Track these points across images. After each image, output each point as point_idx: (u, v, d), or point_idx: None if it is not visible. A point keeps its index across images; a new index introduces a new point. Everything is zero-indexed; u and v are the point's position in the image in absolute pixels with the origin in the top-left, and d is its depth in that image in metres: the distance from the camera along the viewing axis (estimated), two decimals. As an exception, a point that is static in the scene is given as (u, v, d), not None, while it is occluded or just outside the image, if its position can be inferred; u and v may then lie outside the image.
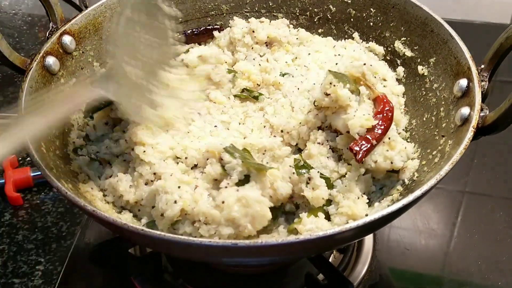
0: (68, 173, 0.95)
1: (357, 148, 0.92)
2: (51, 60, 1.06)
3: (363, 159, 0.92)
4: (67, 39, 1.10)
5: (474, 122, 0.87)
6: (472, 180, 1.35)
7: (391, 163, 0.95)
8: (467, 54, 1.00)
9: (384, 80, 1.13)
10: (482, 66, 0.96)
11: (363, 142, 0.93)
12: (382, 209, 0.81)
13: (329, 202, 0.94)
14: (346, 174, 0.95)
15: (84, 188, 0.95)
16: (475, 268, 1.16)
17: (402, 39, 1.18)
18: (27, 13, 1.69)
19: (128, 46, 0.96)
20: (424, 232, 1.22)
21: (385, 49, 1.22)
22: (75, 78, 1.11)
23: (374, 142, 0.93)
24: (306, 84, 1.10)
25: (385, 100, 1.00)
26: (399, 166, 0.95)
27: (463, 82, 0.97)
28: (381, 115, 0.96)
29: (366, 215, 0.90)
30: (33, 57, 1.03)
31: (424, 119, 1.07)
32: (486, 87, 0.94)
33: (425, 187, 0.79)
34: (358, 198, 0.92)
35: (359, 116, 0.94)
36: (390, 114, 0.97)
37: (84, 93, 0.95)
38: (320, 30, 1.31)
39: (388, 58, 1.22)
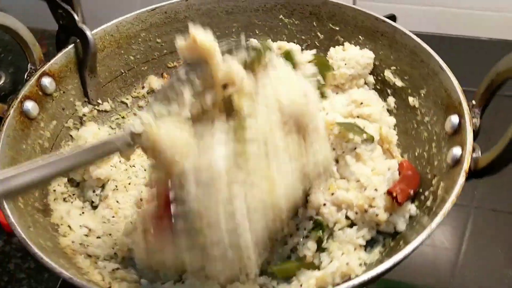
0: (47, 227, 0.92)
1: (397, 190, 0.90)
2: (29, 105, 1.02)
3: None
4: (46, 80, 1.07)
5: (466, 166, 0.83)
6: (481, 194, 1.30)
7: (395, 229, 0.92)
8: (458, 88, 0.96)
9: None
10: (474, 102, 0.93)
11: (400, 188, 0.91)
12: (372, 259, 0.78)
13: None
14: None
15: (65, 242, 0.92)
16: (484, 283, 1.13)
17: (392, 68, 1.15)
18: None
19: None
20: (432, 246, 1.18)
21: (375, 78, 1.18)
22: (55, 120, 1.08)
23: (412, 191, 0.92)
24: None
25: (407, 166, 0.97)
26: (402, 229, 0.92)
27: (455, 118, 0.93)
28: (406, 180, 0.93)
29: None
30: (11, 103, 1.00)
31: (416, 154, 1.04)
32: (478, 125, 0.91)
33: (414, 244, 0.75)
34: (355, 249, 0.89)
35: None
36: (415, 179, 0.95)
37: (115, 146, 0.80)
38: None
39: (378, 87, 1.18)
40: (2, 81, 1.14)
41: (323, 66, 1.13)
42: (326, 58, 1.16)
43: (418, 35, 1.09)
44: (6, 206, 0.83)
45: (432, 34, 1.66)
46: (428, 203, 0.90)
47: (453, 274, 1.14)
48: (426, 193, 0.93)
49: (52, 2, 1.12)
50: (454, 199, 0.80)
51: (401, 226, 0.91)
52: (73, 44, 1.12)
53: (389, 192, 0.90)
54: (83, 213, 1.02)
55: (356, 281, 0.72)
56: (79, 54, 1.12)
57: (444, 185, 0.88)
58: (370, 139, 0.96)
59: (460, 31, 1.71)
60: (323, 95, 1.11)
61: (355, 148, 0.95)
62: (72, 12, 1.11)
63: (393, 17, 1.38)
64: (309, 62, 1.13)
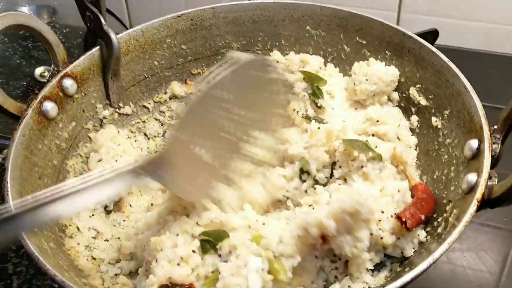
0: (54, 227, 0.93)
1: (407, 215, 0.87)
2: (49, 105, 1.04)
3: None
4: (68, 82, 1.08)
5: (478, 195, 0.79)
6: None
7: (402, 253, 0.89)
8: (481, 111, 0.91)
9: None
10: (495, 127, 0.88)
11: (410, 212, 0.88)
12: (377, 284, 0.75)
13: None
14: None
15: (70, 243, 0.92)
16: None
17: (417, 86, 1.11)
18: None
19: (201, 127, 0.86)
20: (472, 269, 1.12)
21: (399, 95, 1.14)
22: (75, 122, 1.10)
23: (423, 217, 0.89)
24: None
25: (423, 188, 0.94)
26: (409, 255, 0.89)
27: (474, 143, 0.89)
28: (419, 204, 0.90)
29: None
30: (30, 102, 1.02)
31: (435, 176, 0.99)
32: (498, 151, 0.86)
33: (416, 270, 0.72)
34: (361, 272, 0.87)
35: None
36: (429, 204, 0.91)
37: (125, 182, 0.81)
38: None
39: (402, 105, 1.14)
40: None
41: (313, 79, 1.11)
42: (313, 72, 1.14)
43: (460, 50, 1.04)
44: (11, 203, 0.84)
45: (475, 50, 1.60)
46: (440, 229, 0.86)
47: None
48: (440, 219, 0.89)
49: (81, 5, 1.14)
50: (462, 228, 0.76)
51: (409, 251, 0.88)
52: (98, 47, 1.14)
53: (398, 217, 0.86)
54: (93, 215, 1.03)
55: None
56: (103, 57, 1.13)
57: (457, 212, 0.84)
58: (378, 158, 0.92)
59: (506, 49, 1.64)
60: (318, 106, 1.09)
61: (362, 167, 0.91)
62: (99, 15, 1.13)
63: (435, 32, 1.32)
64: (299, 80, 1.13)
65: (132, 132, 1.22)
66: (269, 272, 0.79)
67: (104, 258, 0.95)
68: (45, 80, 1.08)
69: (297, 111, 1.08)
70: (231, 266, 0.79)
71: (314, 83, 1.09)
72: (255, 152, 0.94)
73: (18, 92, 1.11)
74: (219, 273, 0.80)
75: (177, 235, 0.86)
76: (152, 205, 1.05)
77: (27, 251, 0.78)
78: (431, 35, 1.16)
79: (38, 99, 1.02)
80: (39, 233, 0.85)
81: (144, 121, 1.24)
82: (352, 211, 0.79)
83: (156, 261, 0.84)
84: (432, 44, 1.03)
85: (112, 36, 1.11)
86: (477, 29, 1.67)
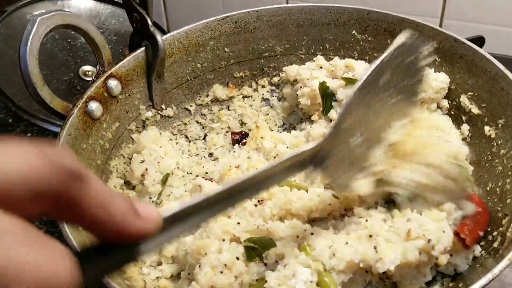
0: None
1: (465, 231, 0.84)
2: (94, 105, 1.04)
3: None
4: (113, 83, 1.08)
5: (541, 208, 0.75)
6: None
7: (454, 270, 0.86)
8: (539, 122, 0.88)
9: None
10: (557, 138, 0.84)
11: (468, 229, 0.85)
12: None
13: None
14: None
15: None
16: None
17: (469, 93, 1.07)
18: (114, 32, 1.69)
19: (358, 114, 0.80)
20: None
21: (449, 102, 1.11)
22: (118, 122, 1.09)
23: (481, 233, 0.86)
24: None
25: (478, 201, 0.90)
26: (463, 270, 0.85)
27: (531, 155, 0.85)
28: (476, 219, 0.87)
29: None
30: (76, 102, 1.02)
31: (488, 188, 0.95)
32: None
33: (476, 287, 0.68)
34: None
35: None
36: (485, 218, 0.88)
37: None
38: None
39: (452, 113, 1.11)
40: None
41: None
42: (356, 78, 1.10)
43: (506, 59, 1.00)
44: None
45: None
46: (495, 244, 0.82)
47: None
48: (495, 233, 0.85)
49: (129, 6, 1.14)
50: (524, 243, 0.72)
51: (463, 267, 0.84)
52: (143, 49, 1.13)
53: (456, 233, 0.83)
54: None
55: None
56: (148, 59, 1.13)
57: (515, 227, 0.80)
58: None
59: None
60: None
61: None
62: (146, 16, 1.12)
63: (481, 39, 1.28)
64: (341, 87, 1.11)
65: (173, 134, 1.21)
66: (317, 285, 0.76)
67: (146, 260, 0.94)
68: (88, 79, 1.08)
69: None
70: (278, 275, 0.77)
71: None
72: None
73: (62, 86, 1.12)
74: (265, 281, 0.78)
75: (223, 240, 0.84)
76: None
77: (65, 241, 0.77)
78: (477, 43, 1.12)
79: (84, 99, 1.02)
80: (83, 232, 0.85)
81: (185, 124, 1.23)
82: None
83: (199, 266, 0.82)
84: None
85: (158, 37, 1.10)
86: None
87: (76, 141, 0.99)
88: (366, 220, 0.85)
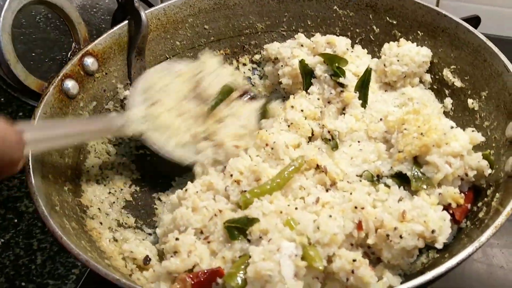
0: (75, 208, 0.90)
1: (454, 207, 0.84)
2: (70, 84, 1.01)
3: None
4: (89, 60, 1.05)
5: (526, 177, 0.75)
6: None
7: None
8: (524, 91, 0.87)
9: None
10: (541, 108, 0.84)
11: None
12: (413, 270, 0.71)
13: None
14: None
15: (92, 224, 0.89)
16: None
17: (451, 67, 1.06)
18: (107, 11, 1.65)
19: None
20: (488, 265, 1.04)
21: (432, 77, 1.10)
22: (95, 101, 1.06)
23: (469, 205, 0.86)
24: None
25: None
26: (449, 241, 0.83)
27: (517, 124, 0.84)
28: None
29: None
30: (51, 80, 0.99)
31: (471, 160, 0.95)
32: (544, 133, 0.82)
33: (462, 255, 0.68)
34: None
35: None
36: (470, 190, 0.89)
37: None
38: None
39: (435, 87, 1.10)
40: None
41: (333, 60, 1.06)
42: (332, 53, 1.09)
43: (503, 39, 0.99)
44: (33, 180, 0.81)
45: None
46: (481, 214, 0.82)
47: None
48: (479, 204, 0.85)
49: None
50: (510, 211, 0.71)
51: (449, 238, 0.83)
52: (120, 25, 1.10)
53: (445, 209, 0.82)
54: (113, 203, 1.00)
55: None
56: (130, 35, 1.10)
57: (500, 196, 0.79)
58: None
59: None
60: (341, 85, 1.05)
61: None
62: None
63: (476, 18, 1.25)
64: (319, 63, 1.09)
65: (153, 113, 1.18)
66: (302, 258, 0.75)
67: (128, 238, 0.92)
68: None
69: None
70: (263, 250, 0.75)
71: (334, 63, 1.05)
72: None
73: (53, 66, 1.12)
74: (249, 257, 0.77)
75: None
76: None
77: (49, 229, 0.75)
78: (472, 22, 1.10)
79: (59, 77, 0.99)
80: (60, 212, 0.82)
81: (165, 103, 1.20)
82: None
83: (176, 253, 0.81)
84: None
85: (142, 13, 1.08)
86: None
87: (52, 119, 0.96)
88: (350, 193, 0.84)
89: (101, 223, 0.91)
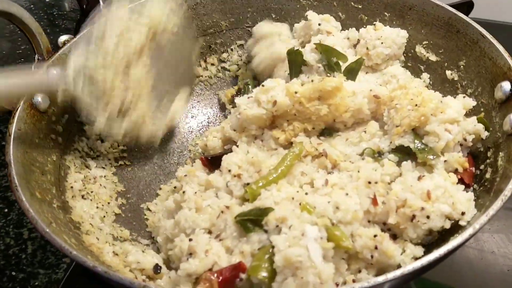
0: (68, 224, 0.83)
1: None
2: (39, 97, 0.94)
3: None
4: (55, 72, 0.98)
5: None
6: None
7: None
8: (505, 54, 0.89)
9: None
10: (525, 66, 0.86)
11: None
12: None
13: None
14: None
15: (89, 240, 0.83)
16: None
17: (423, 43, 1.08)
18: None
19: None
20: (480, 250, 1.05)
21: (404, 55, 1.11)
22: (67, 114, 1.00)
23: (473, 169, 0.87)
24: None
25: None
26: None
27: (506, 85, 0.86)
28: None
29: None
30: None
31: (461, 129, 0.96)
32: (533, 89, 0.84)
33: (491, 211, 0.67)
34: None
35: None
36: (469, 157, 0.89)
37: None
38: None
39: (409, 64, 1.11)
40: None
41: (331, 54, 1.04)
42: (331, 46, 1.06)
43: (497, 24, 0.99)
44: (23, 198, 0.74)
45: None
46: (487, 175, 0.83)
47: (503, 282, 1.00)
48: (482, 166, 0.86)
49: None
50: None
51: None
52: (79, 35, 1.04)
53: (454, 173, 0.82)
54: (104, 217, 0.94)
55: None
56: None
57: (505, 155, 0.80)
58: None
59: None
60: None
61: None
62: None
63: (469, 3, 1.24)
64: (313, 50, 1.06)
65: (126, 123, 1.12)
66: (328, 240, 0.72)
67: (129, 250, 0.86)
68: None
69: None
70: (286, 238, 0.72)
71: (331, 57, 1.03)
72: None
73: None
74: (271, 247, 0.73)
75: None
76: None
77: (56, 246, 0.68)
78: (465, 7, 1.12)
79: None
80: (57, 229, 0.76)
81: (137, 111, 1.14)
82: None
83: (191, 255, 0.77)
84: (467, 15, 0.99)
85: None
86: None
87: (27, 136, 0.88)
88: (358, 171, 0.83)
89: (97, 238, 0.84)
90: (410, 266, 0.65)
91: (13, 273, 1.03)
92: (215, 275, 0.71)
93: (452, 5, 1.02)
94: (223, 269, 0.73)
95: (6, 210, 1.15)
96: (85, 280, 0.95)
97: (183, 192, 0.87)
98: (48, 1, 1.58)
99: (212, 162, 0.98)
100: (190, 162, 1.10)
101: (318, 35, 1.10)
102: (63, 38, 1.01)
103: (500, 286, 0.99)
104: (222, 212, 0.82)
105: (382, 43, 1.06)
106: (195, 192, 0.87)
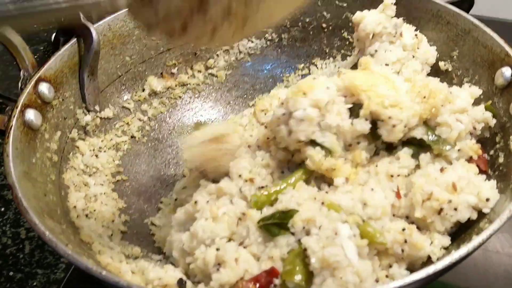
0: (81, 245, 0.78)
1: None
2: (31, 114, 0.89)
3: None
4: (44, 87, 0.93)
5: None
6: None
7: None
8: (500, 41, 0.91)
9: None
10: (523, 51, 0.88)
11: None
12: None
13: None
14: None
15: (104, 260, 0.78)
16: None
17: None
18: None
19: None
20: (484, 250, 1.04)
21: (395, 49, 1.12)
22: (59, 131, 0.95)
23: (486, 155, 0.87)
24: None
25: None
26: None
27: (507, 70, 0.88)
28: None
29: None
30: (11, 113, 0.86)
31: (462, 118, 0.97)
32: (534, 71, 0.86)
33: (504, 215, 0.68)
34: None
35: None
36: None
37: None
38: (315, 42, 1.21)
39: (400, 58, 1.12)
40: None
41: None
42: None
43: (498, 21, 1.00)
44: (36, 221, 0.69)
45: None
46: (500, 160, 0.84)
47: (508, 282, 1.00)
48: (491, 152, 0.87)
49: None
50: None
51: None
52: (67, 46, 0.99)
53: (468, 162, 0.83)
54: (111, 235, 0.89)
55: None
56: (80, 53, 1.00)
57: (515, 138, 0.82)
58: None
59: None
60: None
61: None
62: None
63: (470, 0, 1.24)
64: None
65: (118, 136, 1.07)
66: (362, 237, 0.71)
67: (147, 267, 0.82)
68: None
69: None
70: (318, 238, 0.70)
71: None
72: None
73: (36, 57, 0.99)
74: (302, 249, 0.71)
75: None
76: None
77: (81, 268, 0.64)
78: (466, 4, 1.12)
79: (19, 108, 0.87)
80: (76, 250, 0.71)
81: (128, 123, 1.10)
82: None
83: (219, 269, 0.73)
84: (467, 13, 1.00)
85: (92, 29, 0.98)
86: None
87: (24, 156, 0.83)
88: (376, 166, 0.82)
89: (111, 258, 0.80)
90: (451, 258, 0.65)
91: (11, 273, 1.01)
92: (252, 283, 0.68)
93: (453, 3, 1.03)
94: (257, 276, 0.70)
95: (2, 209, 1.13)
96: (86, 281, 0.90)
97: (195, 202, 0.84)
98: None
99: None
100: (188, 173, 1.07)
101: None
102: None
103: (505, 286, 0.99)
104: (240, 219, 0.79)
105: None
106: (207, 201, 0.84)
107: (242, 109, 1.20)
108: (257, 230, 0.77)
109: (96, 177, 0.98)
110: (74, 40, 1.00)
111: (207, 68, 1.21)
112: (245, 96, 1.22)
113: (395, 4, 1.09)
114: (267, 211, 0.79)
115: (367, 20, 1.02)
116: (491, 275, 1.00)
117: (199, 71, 1.20)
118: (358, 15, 1.05)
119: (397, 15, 1.09)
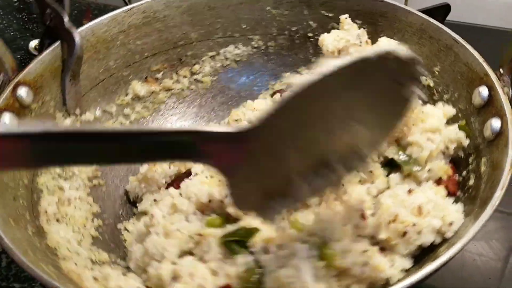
0: (46, 251, 0.79)
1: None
2: (7, 118, 0.89)
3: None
4: (22, 91, 0.94)
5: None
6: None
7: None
8: (480, 59, 0.90)
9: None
10: (501, 71, 0.87)
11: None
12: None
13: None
14: None
15: (67, 266, 0.79)
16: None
17: (396, 49, 1.08)
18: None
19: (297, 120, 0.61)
20: (477, 254, 1.03)
21: (378, 62, 1.11)
22: (35, 135, 0.95)
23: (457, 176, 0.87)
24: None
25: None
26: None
27: (483, 90, 0.87)
28: None
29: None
30: (-15, 117, 0.87)
31: (439, 135, 0.97)
32: (510, 93, 0.85)
33: (479, 222, 0.67)
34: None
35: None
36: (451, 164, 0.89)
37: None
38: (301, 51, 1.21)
39: (382, 71, 1.11)
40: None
41: None
42: None
43: (475, 27, 0.99)
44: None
45: (491, 27, 1.43)
46: (471, 182, 0.83)
47: (499, 286, 0.98)
48: (464, 173, 0.86)
49: (41, 3, 1.01)
50: (510, 168, 0.72)
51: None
52: (48, 51, 1.00)
53: (437, 183, 0.82)
54: (81, 240, 0.90)
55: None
56: (63, 57, 1.01)
57: (488, 160, 0.81)
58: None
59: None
60: None
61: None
62: (62, 11, 1.00)
63: (446, 6, 1.19)
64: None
65: (98, 141, 1.08)
66: (320, 259, 0.71)
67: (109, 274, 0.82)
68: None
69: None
70: (276, 257, 0.70)
71: None
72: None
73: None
74: (258, 267, 0.71)
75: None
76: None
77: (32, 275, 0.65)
78: (442, 10, 1.11)
79: (-6, 112, 0.87)
80: (34, 256, 0.72)
81: (109, 128, 1.10)
82: None
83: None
84: (443, 19, 0.98)
85: (75, 33, 0.98)
86: (494, 5, 1.50)
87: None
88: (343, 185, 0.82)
89: (76, 264, 0.80)
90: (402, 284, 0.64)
91: (-13, 288, 0.99)
92: (206, 299, 0.69)
93: (429, 9, 1.02)
94: (214, 292, 0.71)
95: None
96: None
97: (152, 215, 0.84)
98: (16, 5, 1.54)
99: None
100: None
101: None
102: (33, 43, 0.97)
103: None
104: (199, 234, 0.79)
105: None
106: (164, 216, 0.84)
107: (227, 115, 1.20)
108: (218, 246, 0.77)
109: (72, 181, 0.98)
110: (57, 44, 1.01)
111: (192, 73, 1.21)
112: (229, 102, 1.22)
113: (380, 16, 1.09)
114: (232, 226, 0.79)
115: (327, 40, 1.02)
116: (468, 285, 0.99)
117: (185, 77, 1.20)
118: (320, 38, 1.05)
119: (381, 27, 1.09)
